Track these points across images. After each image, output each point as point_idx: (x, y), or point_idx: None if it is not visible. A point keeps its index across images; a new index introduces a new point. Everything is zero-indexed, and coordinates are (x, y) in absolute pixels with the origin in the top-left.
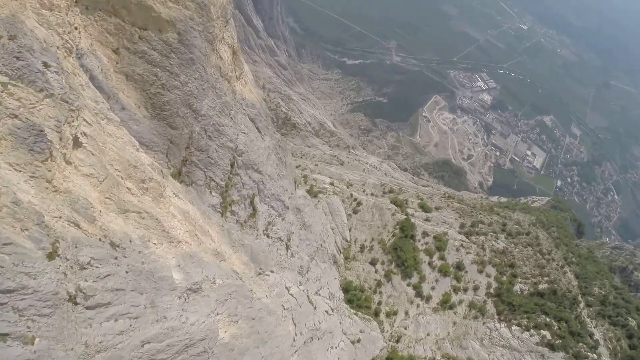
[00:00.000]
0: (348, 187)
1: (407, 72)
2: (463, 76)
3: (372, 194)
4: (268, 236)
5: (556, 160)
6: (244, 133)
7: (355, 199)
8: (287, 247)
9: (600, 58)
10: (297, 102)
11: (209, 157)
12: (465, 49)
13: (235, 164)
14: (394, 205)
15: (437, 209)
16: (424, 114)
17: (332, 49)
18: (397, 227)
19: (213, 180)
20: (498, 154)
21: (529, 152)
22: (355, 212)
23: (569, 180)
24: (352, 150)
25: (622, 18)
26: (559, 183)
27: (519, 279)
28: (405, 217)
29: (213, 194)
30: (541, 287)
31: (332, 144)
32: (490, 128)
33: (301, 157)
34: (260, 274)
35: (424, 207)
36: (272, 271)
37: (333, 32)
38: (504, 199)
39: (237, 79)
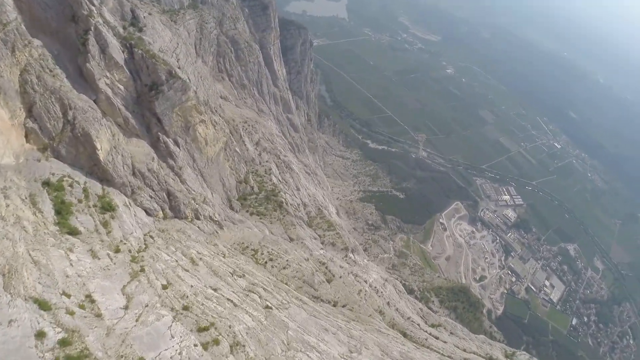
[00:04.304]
0: None
1: (432, 171)
2: (490, 187)
3: None
4: None
5: (575, 295)
6: None
7: None
8: None
9: (629, 188)
10: (296, 174)
11: None
12: (496, 158)
13: None
14: None
15: None
16: (441, 220)
17: (357, 127)
18: None
19: None
20: (514, 279)
21: (547, 283)
22: None
23: (586, 319)
24: (351, 255)
25: None
26: (574, 322)
27: None
28: None
29: None
30: None
31: (326, 241)
32: (510, 249)
33: (265, 264)
34: None
35: None
36: None
37: (363, 112)
38: None
39: None
